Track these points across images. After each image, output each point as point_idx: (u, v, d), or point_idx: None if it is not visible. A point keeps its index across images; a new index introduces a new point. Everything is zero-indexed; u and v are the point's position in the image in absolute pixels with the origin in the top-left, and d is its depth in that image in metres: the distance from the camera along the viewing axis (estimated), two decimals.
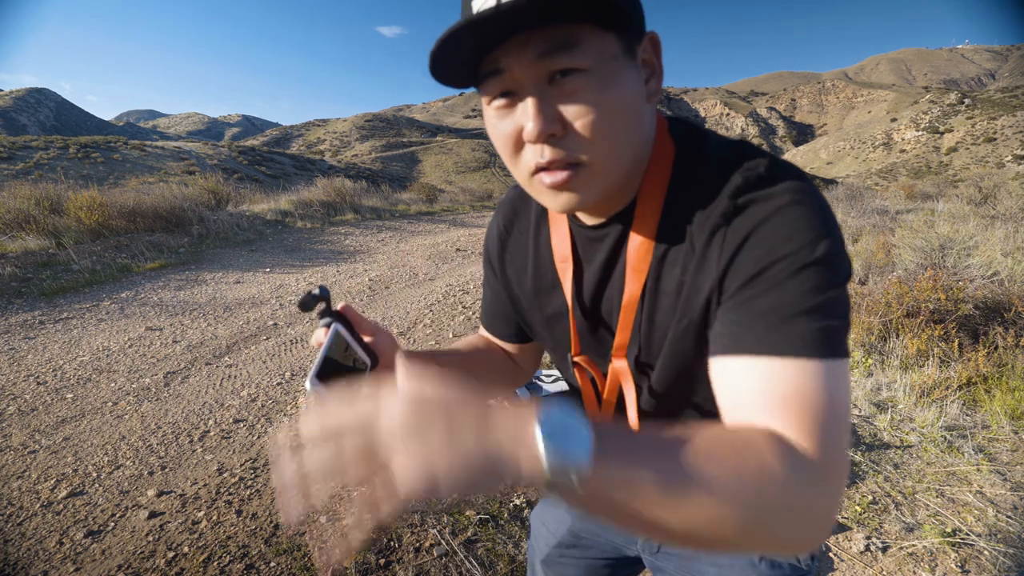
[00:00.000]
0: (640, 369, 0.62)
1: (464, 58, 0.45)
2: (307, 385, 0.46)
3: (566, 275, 0.63)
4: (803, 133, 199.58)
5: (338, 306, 0.57)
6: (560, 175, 0.48)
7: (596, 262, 0.61)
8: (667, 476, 0.35)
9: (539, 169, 0.49)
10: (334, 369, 0.51)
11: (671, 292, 0.54)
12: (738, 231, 0.48)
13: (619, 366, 0.63)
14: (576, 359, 0.69)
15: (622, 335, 0.60)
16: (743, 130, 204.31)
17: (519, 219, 0.71)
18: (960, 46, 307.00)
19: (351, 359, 0.55)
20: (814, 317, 0.43)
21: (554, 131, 0.46)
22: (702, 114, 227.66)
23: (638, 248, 0.55)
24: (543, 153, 0.47)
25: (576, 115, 0.46)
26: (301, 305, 0.53)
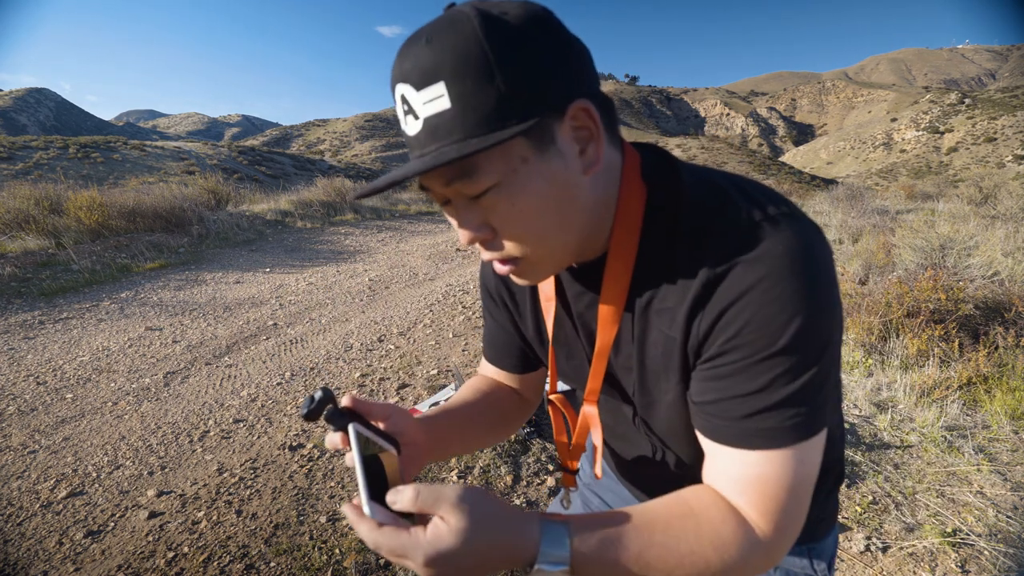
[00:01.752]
0: (639, 415, 0.63)
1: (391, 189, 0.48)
2: (367, 512, 0.44)
3: (548, 313, 0.64)
4: (803, 133, 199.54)
5: (344, 402, 0.53)
6: (503, 267, 0.52)
7: (583, 302, 0.61)
8: (636, 563, 0.45)
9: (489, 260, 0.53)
10: (374, 476, 0.47)
11: (658, 344, 0.54)
12: (717, 302, 0.47)
13: (589, 411, 0.64)
14: (551, 397, 0.70)
15: (594, 381, 0.61)
16: (743, 130, 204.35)
17: None
18: (960, 46, 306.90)
19: (376, 451, 0.51)
20: (779, 410, 0.46)
21: (483, 237, 0.49)
22: (702, 114, 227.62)
23: (610, 300, 0.55)
24: (482, 253, 0.52)
25: (498, 225, 0.48)
26: (307, 416, 0.48)
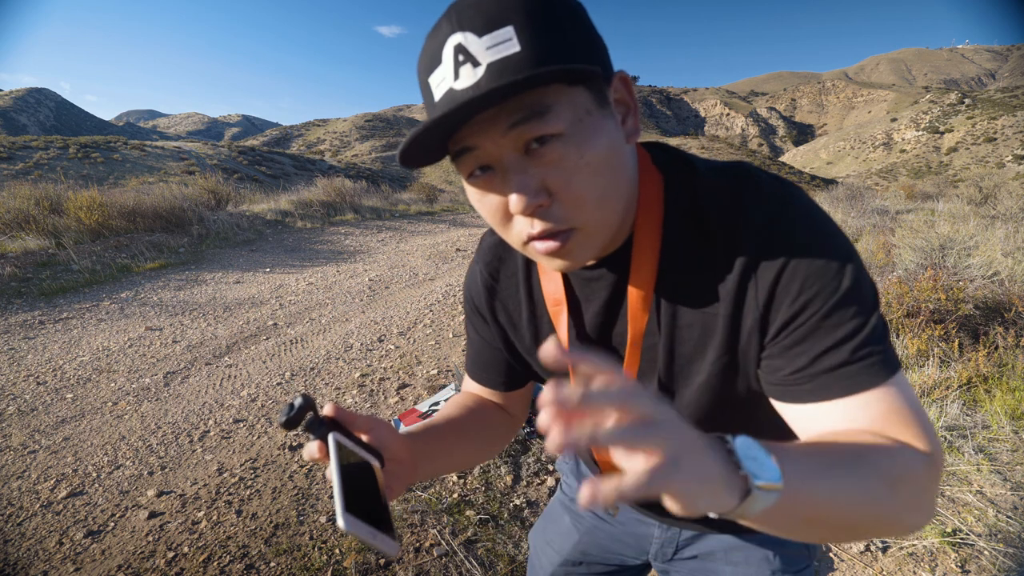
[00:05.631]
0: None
1: (433, 143, 0.44)
2: (341, 524, 0.40)
3: (560, 318, 0.62)
4: (803, 133, 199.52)
5: (326, 410, 0.49)
6: (553, 243, 0.47)
7: (598, 301, 0.59)
8: (842, 489, 0.39)
9: (532, 238, 0.48)
10: (354, 488, 0.44)
11: (694, 326, 0.54)
12: (768, 272, 0.49)
13: None
14: None
15: (627, 373, 0.59)
16: (743, 130, 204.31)
17: (504, 265, 0.68)
18: (960, 46, 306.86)
19: (357, 463, 0.48)
20: (868, 348, 0.47)
21: (541, 202, 0.45)
22: (702, 114, 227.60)
23: (640, 287, 0.54)
24: (533, 224, 0.47)
25: (560, 183, 0.44)
26: (287, 424, 0.45)
